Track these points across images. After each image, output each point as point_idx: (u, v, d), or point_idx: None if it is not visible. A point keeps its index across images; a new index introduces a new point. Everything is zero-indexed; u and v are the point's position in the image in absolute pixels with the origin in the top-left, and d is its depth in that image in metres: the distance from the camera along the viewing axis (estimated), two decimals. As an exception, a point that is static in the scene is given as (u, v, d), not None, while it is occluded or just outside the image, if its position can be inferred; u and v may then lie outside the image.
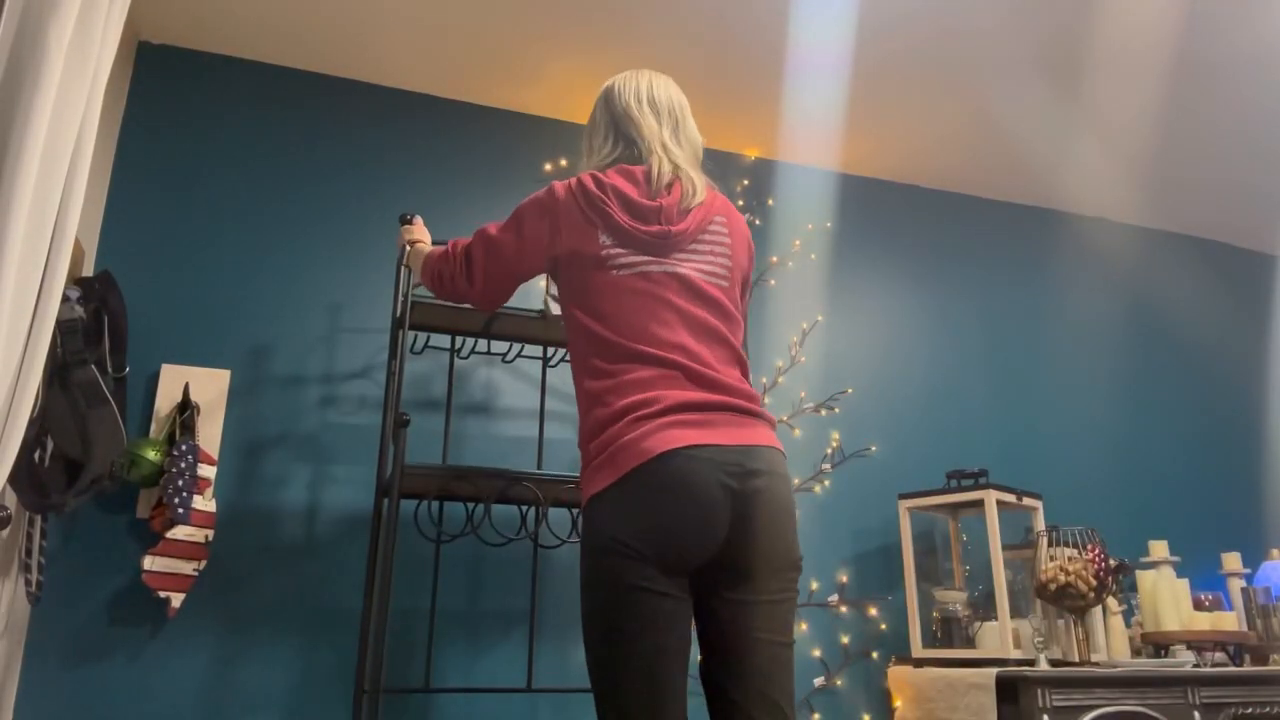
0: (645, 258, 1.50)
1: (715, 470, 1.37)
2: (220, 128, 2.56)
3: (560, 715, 2.38)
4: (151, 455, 2.14)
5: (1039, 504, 2.65)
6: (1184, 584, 2.66)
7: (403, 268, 1.99)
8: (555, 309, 2.25)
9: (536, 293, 2.70)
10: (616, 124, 1.64)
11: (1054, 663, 2.38)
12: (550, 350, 2.54)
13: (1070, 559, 2.43)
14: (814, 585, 2.71)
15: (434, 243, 1.92)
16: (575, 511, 2.42)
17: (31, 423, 1.59)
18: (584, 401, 1.49)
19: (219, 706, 2.15)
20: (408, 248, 1.94)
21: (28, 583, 1.94)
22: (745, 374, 1.54)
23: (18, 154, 1.16)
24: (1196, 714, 2.28)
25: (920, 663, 2.52)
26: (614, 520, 1.37)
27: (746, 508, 1.39)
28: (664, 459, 1.36)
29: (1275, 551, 3.04)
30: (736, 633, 1.39)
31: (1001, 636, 2.42)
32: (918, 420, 3.01)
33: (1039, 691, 2.16)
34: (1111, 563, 2.43)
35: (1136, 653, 2.65)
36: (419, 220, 2.04)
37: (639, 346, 1.45)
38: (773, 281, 2.97)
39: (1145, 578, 2.69)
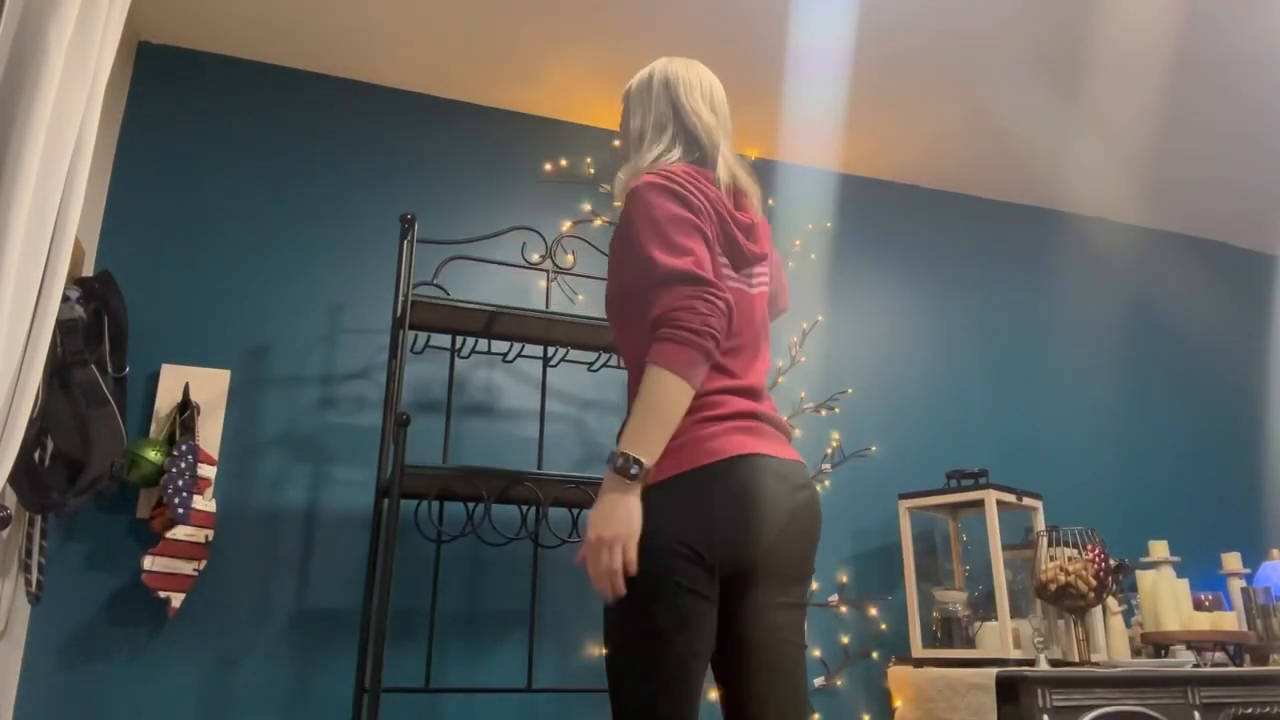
0: (741, 275, 1.52)
1: (775, 480, 1.39)
2: (220, 128, 2.56)
3: (560, 715, 2.38)
4: (151, 455, 2.14)
5: (1039, 504, 2.65)
6: (1184, 584, 2.66)
7: (637, 479, 1.32)
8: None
9: (537, 291, 2.70)
10: (677, 115, 1.57)
11: (1054, 663, 2.38)
12: (551, 350, 2.54)
13: (1070, 559, 2.43)
14: (814, 585, 2.71)
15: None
16: (576, 512, 2.42)
17: (31, 423, 1.59)
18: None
19: (219, 706, 2.15)
20: (621, 456, 1.31)
21: (28, 583, 1.94)
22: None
23: (18, 154, 1.16)
24: (1196, 714, 2.28)
25: (920, 663, 2.52)
26: (672, 515, 1.32)
27: (794, 519, 1.42)
28: (733, 463, 1.36)
29: (1275, 551, 3.04)
30: (764, 633, 1.40)
31: (1001, 636, 2.42)
32: (918, 420, 3.01)
33: (1039, 691, 2.16)
34: (1111, 563, 2.43)
35: (1136, 653, 2.65)
36: None
37: (723, 361, 1.45)
38: (773, 281, 2.97)
39: (1145, 578, 2.69)
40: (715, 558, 1.33)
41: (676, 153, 1.55)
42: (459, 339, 2.48)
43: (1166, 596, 2.62)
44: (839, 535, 2.79)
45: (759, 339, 1.54)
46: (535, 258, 2.63)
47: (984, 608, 2.62)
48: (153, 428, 2.24)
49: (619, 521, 1.27)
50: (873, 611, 2.74)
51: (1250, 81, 2.69)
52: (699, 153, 1.56)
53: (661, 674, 1.31)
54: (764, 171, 3.08)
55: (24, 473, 1.80)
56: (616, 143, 2.91)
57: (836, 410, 2.91)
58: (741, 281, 1.52)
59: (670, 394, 1.30)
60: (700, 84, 1.61)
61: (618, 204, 1.57)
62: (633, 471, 1.28)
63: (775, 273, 1.67)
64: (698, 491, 1.34)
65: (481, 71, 2.68)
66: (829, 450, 2.86)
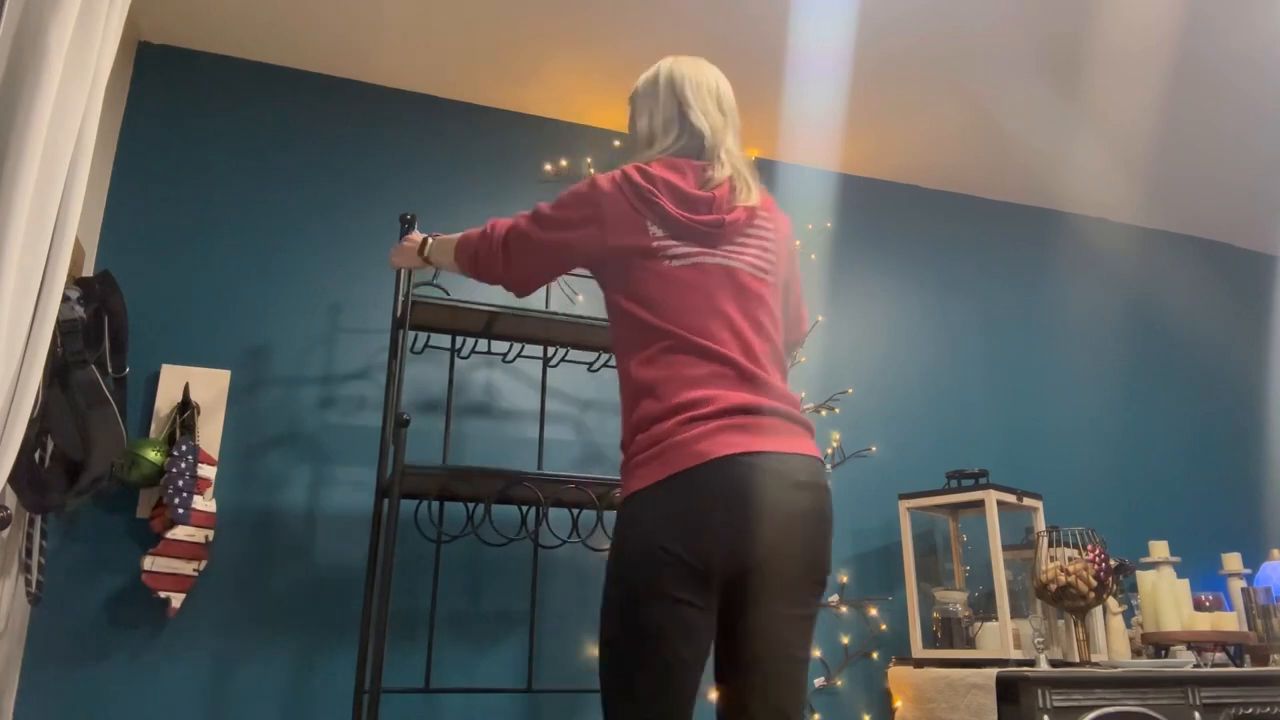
0: (698, 248, 1.47)
1: (769, 479, 1.33)
2: (220, 128, 2.56)
3: (560, 715, 2.38)
4: (152, 455, 2.14)
5: (1039, 504, 2.65)
6: (1184, 584, 2.66)
7: (421, 259, 1.84)
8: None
9: (539, 292, 2.70)
10: (684, 114, 1.58)
11: (1054, 663, 2.38)
12: (551, 350, 2.54)
13: (1070, 559, 2.43)
14: (814, 585, 2.71)
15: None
16: (576, 512, 2.42)
17: (31, 423, 1.59)
18: (631, 392, 1.44)
19: (219, 706, 2.15)
20: (429, 240, 1.81)
21: (28, 583, 1.94)
22: (785, 375, 1.52)
23: (18, 154, 1.16)
24: (1196, 714, 2.28)
25: (920, 663, 2.52)
26: (657, 521, 1.31)
27: (792, 519, 1.35)
28: (719, 464, 1.31)
29: (1275, 552, 3.03)
30: (760, 644, 1.35)
31: (1002, 637, 2.42)
32: (918, 420, 3.01)
33: (1039, 692, 2.16)
34: (1112, 563, 2.43)
35: (1137, 653, 2.65)
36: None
37: (694, 339, 1.41)
38: (773, 281, 2.97)
39: (1145, 578, 2.69)
40: (702, 563, 1.30)
41: (672, 145, 1.56)
42: (459, 339, 2.48)
43: (1167, 597, 2.62)
44: (839, 535, 2.78)
45: (756, 314, 1.48)
46: (535, 258, 2.63)
47: (984, 608, 2.62)
48: (153, 428, 2.24)
49: (403, 256, 1.88)
50: (873, 612, 2.74)
51: (1250, 82, 2.69)
52: (696, 145, 1.56)
53: (642, 680, 1.29)
54: (764, 171, 3.06)
55: (24, 473, 1.80)
56: (617, 143, 2.91)
57: (836, 410, 2.91)
58: (714, 255, 1.48)
59: (450, 257, 1.71)
60: (707, 83, 1.61)
61: None
62: (423, 253, 1.81)
63: (779, 265, 1.58)
64: (684, 495, 1.31)
65: (481, 71, 2.68)
66: (829, 450, 2.86)
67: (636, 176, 1.49)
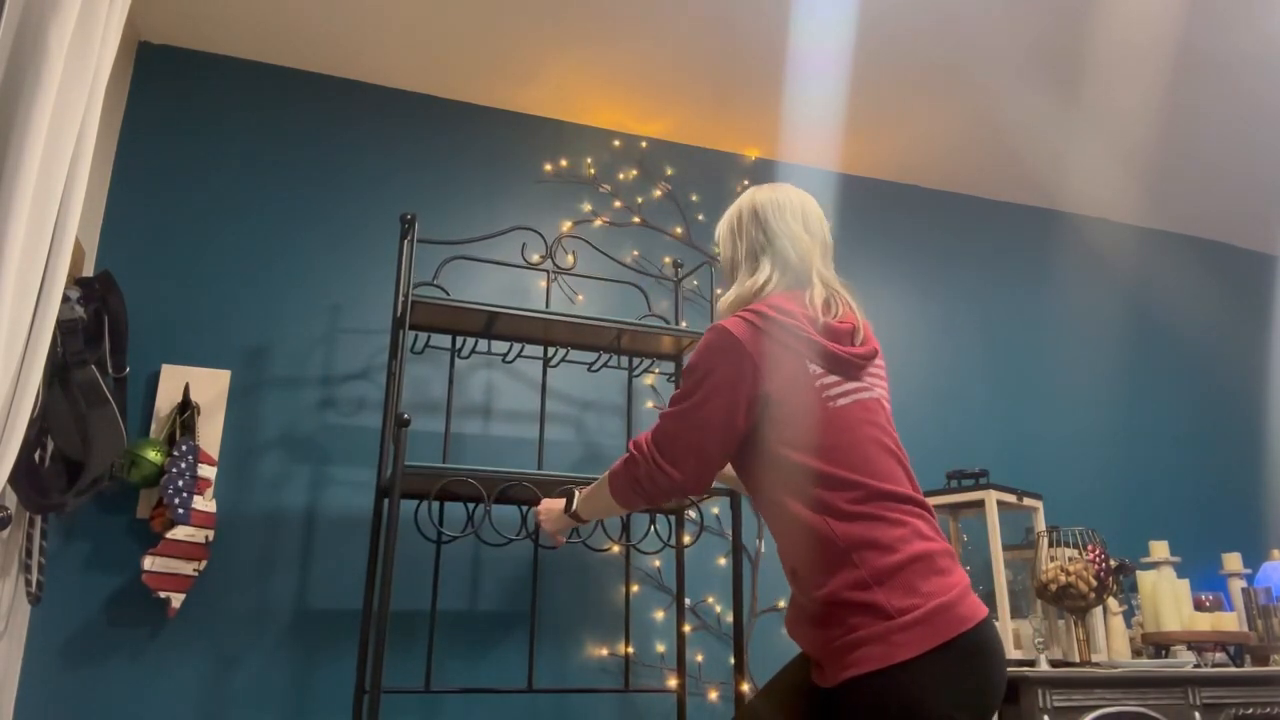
0: (853, 384, 1.41)
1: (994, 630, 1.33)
2: (220, 128, 2.56)
3: (560, 715, 2.38)
4: (152, 455, 2.14)
5: (1039, 504, 2.65)
6: (1184, 584, 2.66)
7: (570, 518, 1.72)
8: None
9: (537, 291, 2.70)
10: (773, 243, 1.52)
11: (1054, 663, 2.38)
12: (551, 350, 2.54)
13: (1070, 559, 2.43)
14: (814, 585, 2.71)
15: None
16: (575, 512, 2.42)
17: (31, 423, 1.59)
18: (830, 548, 1.33)
19: (219, 706, 2.15)
20: (575, 493, 1.70)
21: (28, 583, 1.94)
22: None
23: (18, 154, 1.16)
24: (1197, 714, 2.28)
25: (920, 663, 2.51)
26: (946, 696, 1.23)
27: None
28: (983, 627, 1.28)
29: (1275, 552, 3.03)
30: None
31: (1002, 637, 2.42)
32: (918, 420, 3.01)
33: (1039, 692, 2.16)
34: (1112, 563, 2.43)
35: (1137, 653, 2.65)
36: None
37: (884, 485, 1.35)
38: (773, 282, 2.97)
39: (1146, 578, 2.69)
40: None
41: (773, 279, 1.50)
42: (459, 339, 2.48)
43: (1167, 597, 2.62)
44: (839, 535, 2.78)
45: (897, 440, 1.43)
46: (535, 258, 2.63)
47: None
48: (153, 428, 2.24)
49: (554, 522, 1.74)
50: (873, 612, 2.74)
51: (1251, 80, 2.69)
52: (791, 274, 1.50)
53: None
54: (764, 171, 3.08)
55: (24, 473, 1.80)
56: (617, 143, 2.91)
57: (837, 410, 2.91)
58: (859, 390, 1.41)
59: (605, 500, 1.57)
60: (790, 204, 1.55)
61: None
62: (570, 509, 1.68)
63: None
64: (955, 658, 1.26)
65: (482, 72, 2.68)
66: (829, 450, 2.86)
67: (772, 313, 1.40)
